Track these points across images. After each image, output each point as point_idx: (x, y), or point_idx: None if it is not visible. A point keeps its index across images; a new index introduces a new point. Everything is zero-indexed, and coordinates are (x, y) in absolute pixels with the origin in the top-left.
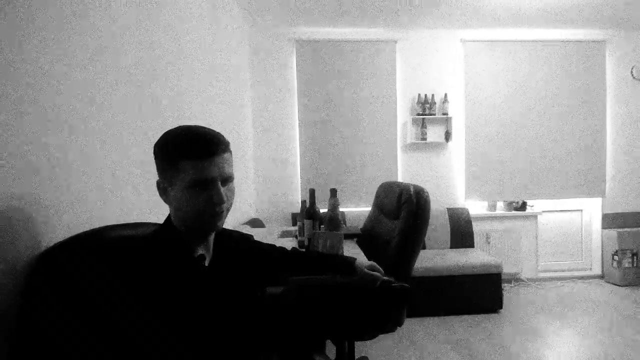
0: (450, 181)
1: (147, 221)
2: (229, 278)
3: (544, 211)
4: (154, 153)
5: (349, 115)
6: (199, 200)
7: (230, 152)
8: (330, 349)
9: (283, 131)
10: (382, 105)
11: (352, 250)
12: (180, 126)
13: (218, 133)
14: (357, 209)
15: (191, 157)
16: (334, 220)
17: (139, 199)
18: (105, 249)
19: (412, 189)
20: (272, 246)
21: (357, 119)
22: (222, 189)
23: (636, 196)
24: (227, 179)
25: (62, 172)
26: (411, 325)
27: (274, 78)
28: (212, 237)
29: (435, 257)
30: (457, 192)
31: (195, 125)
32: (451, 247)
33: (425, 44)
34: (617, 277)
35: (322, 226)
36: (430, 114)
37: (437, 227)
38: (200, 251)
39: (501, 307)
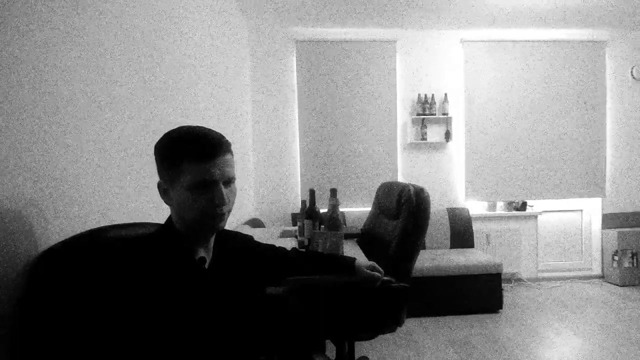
0: (450, 181)
1: (147, 221)
2: (230, 279)
3: (544, 211)
4: (155, 154)
5: (349, 116)
6: (201, 201)
7: (232, 153)
8: (330, 349)
9: (283, 131)
10: (382, 105)
11: (352, 250)
12: (181, 127)
13: (219, 134)
14: (357, 209)
15: (193, 158)
16: (334, 220)
17: (139, 199)
18: (105, 250)
19: (412, 189)
20: (273, 247)
21: (357, 119)
22: (224, 191)
23: (636, 196)
24: (229, 181)
25: (61, 172)
26: (411, 325)
27: (274, 78)
28: (212, 238)
29: (435, 257)
30: (457, 192)
31: (196, 126)
32: (451, 247)
33: (425, 44)
34: (617, 277)
35: (322, 226)
36: (430, 114)
37: (437, 227)
38: (201, 253)
39: (501, 307)
